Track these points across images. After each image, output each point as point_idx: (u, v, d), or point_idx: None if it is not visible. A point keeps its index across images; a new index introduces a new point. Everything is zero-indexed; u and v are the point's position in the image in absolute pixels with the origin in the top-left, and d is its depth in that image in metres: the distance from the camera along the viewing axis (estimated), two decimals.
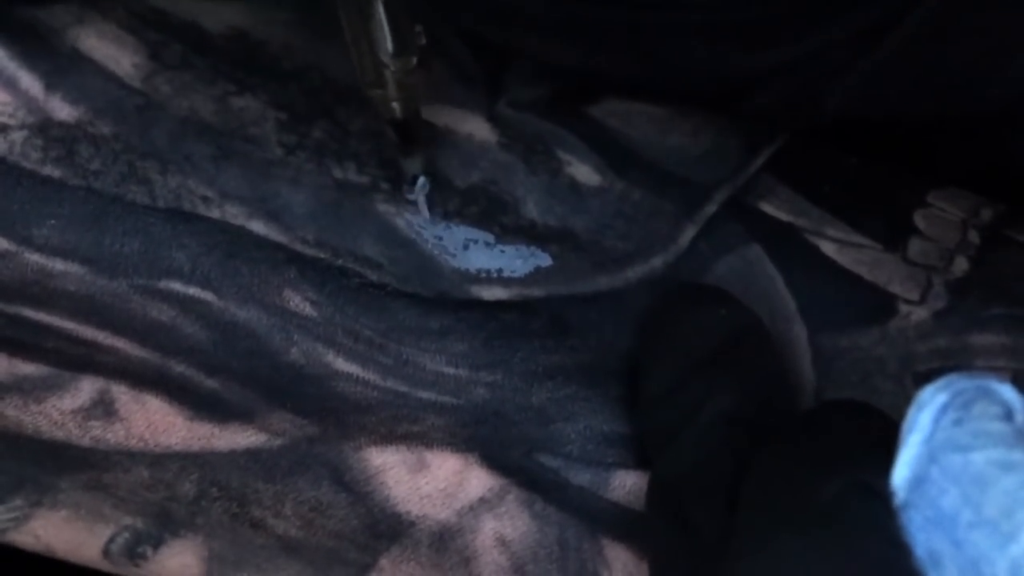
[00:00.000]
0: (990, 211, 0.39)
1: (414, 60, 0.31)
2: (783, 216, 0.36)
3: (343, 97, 0.34)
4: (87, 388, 0.34)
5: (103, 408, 0.34)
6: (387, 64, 0.31)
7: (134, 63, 0.34)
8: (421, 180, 0.33)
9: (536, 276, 0.34)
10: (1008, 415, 0.23)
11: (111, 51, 0.34)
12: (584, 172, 0.35)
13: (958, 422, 0.23)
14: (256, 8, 0.35)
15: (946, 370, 0.36)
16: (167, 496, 0.35)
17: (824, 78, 0.38)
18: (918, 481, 0.22)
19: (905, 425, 0.23)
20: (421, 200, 0.33)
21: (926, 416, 0.23)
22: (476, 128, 0.35)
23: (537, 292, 0.34)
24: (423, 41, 0.31)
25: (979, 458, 0.22)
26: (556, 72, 0.37)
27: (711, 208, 0.36)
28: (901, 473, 0.23)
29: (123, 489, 0.35)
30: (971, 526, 0.21)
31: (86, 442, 0.35)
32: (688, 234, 0.35)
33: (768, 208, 0.37)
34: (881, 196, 0.39)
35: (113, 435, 0.35)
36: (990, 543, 0.21)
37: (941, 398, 0.23)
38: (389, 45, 0.30)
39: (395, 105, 0.32)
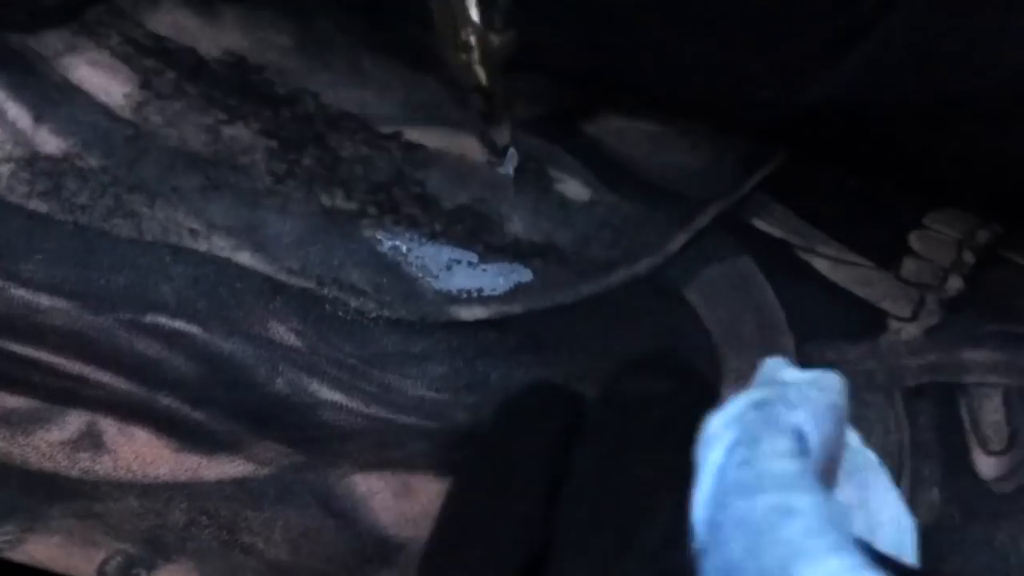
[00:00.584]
0: (986, 232, 0.39)
1: (500, 26, 0.30)
2: (776, 232, 0.36)
3: (335, 123, 0.34)
4: (74, 421, 0.34)
5: (90, 440, 0.34)
6: (473, 30, 0.30)
7: (125, 93, 0.34)
8: (511, 151, 0.33)
9: (516, 293, 0.34)
10: (798, 444, 0.22)
11: (102, 81, 0.34)
12: (574, 188, 0.35)
13: (745, 462, 0.22)
14: (255, 32, 0.35)
15: (937, 385, 0.36)
16: (157, 524, 0.35)
17: (815, 68, 0.38)
18: (712, 525, 0.22)
19: (699, 460, 0.23)
20: (510, 169, 0.33)
21: (716, 454, 0.22)
22: (468, 148, 0.35)
23: (516, 308, 0.34)
24: (510, 7, 0.30)
25: (761, 504, 0.21)
26: (555, 71, 0.37)
27: (704, 220, 0.36)
28: (698, 513, 0.22)
29: (114, 517, 0.35)
30: None
31: (75, 473, 0.35)
32: (678, 242, 0.35)
33: (761, 224, 0.37)
34: (877, 217, 0.39)
35: (101, 466, 0.34)
36: None
37: (729, 435, 0.22)
38: (474, 11, 0.29)
39: (480, 71, 0.31)
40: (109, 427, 0.34)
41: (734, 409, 0.22)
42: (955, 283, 0.37)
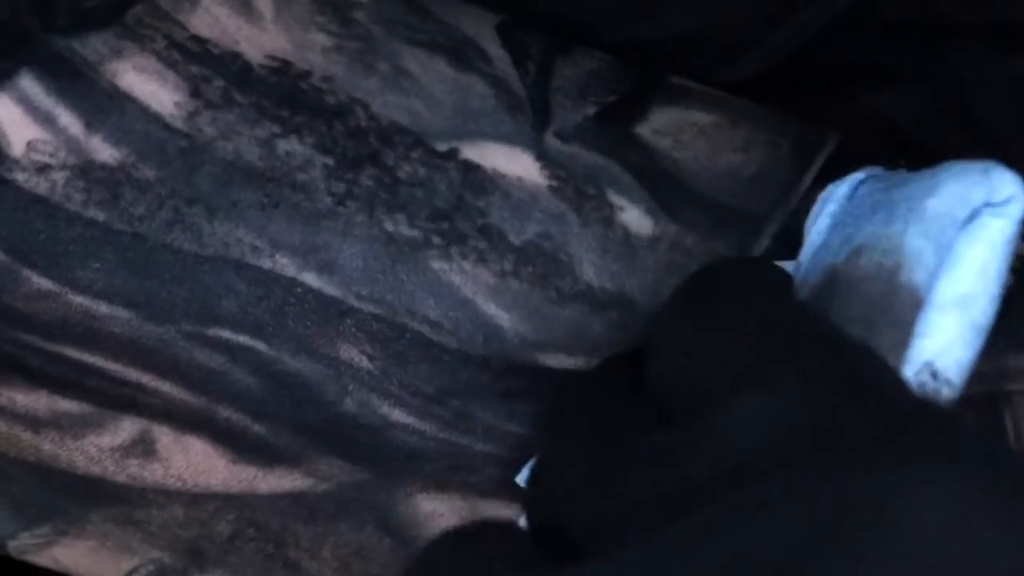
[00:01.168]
0: None
1: None
2: None
3: (389, 138, 0.34)
4: (128, 427, 0.34)
5: (143, 447, 0.34)
6: None
7: (176, 101, 0.33)
8: None
9: (599, 345, 0.34)
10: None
11: (151, 88, 0.33)
12: (636, 218, 0.35)
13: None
14: (294, 31, 0.34)
15: (982, 395, 0.37)
16: (200, 534, 0.35)
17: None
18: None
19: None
20: None
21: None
22: (525, 170, 0.34)
23: (595, 359, 0.34)
24: None
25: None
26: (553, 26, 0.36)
27: (764, 243, 0.36)
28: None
29: (155, 525, 0.35)
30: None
31: (122, 479, 0.34)
32: None
33: None
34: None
35: (151, 474, 0.34)
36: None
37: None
38: None
39: None
40: (164, 435, 0.34)
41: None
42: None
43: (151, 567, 0.35)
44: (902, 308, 0.24)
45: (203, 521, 0.34)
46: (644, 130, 0.36)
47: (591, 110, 0.36)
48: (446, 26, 0.36)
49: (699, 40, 0.37)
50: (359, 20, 0.35)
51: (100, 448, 0.34)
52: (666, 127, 0.37)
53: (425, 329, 0.33)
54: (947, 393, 0.23)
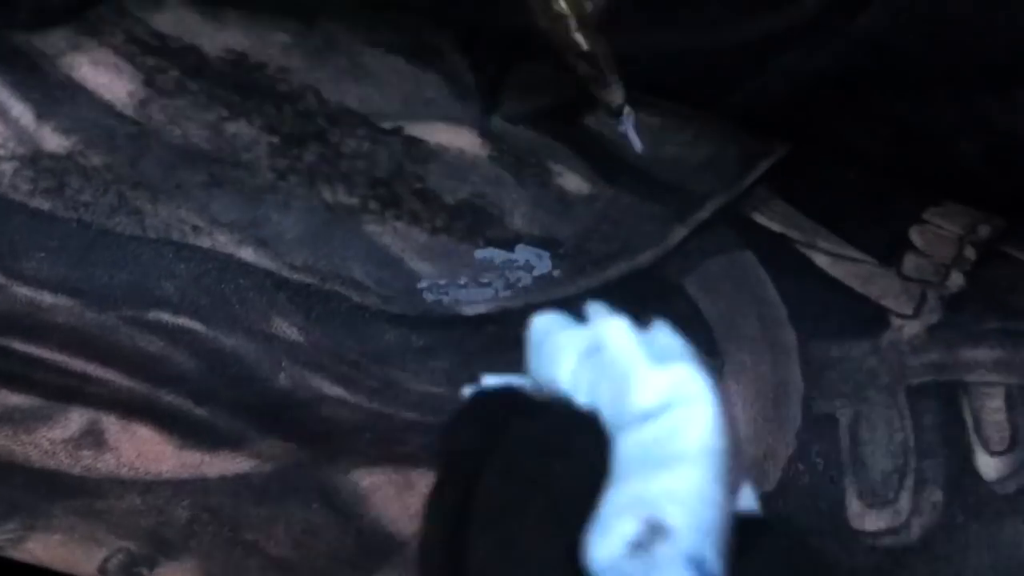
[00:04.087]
0: (988, 228, 0.38)
1: None
2: (776, 227, 0.35)
3: (337, 118, 0.33)
4: (76, 419, 0.33)
5: (93, 438, 0.33)
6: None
7: (128, 91, 0.33)
8: (627, 109, 0.32)
9: (515, 287, 0.33)
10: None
11: (105, 79, 0.33)
12: (574, 181, 0.34)
13: None
14: (256, 30, 0.34)
15: (939, 384, 0.35)
16: (160, 521, 0.34)
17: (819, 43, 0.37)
18: None
19: None
20: (630, 130, 0.33)
21: None
22: (468, 143, 0.34)
23: (516, 303, 0.33)
24: None
25: None
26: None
27: (703, 214, 0.35)
28: None
29: (116, 515, 0.34)
30: None
31: (77, 471, 0.34)
32: (678, 235, 0.34)
33: (761, 219, 0.36)
34: (878, 212, 0.37)
35: (104, 464, 0.33)
36: None
37: None
38: None
39: (579, 37, 0.31)
40: (111, 425, 0.33)
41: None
42: (957, 279, 0.36)
43: (121, 556, 0.34)
44: None
45: (160, 508, 0.33)
46: (591, 121, 0.36)
47: (543, 102, 0.35)
48: (408, 32, 0.36)
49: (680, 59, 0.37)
50: (321, 22, 0.35)
51: (52, 441, 0.33)
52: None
53: (352, 293, 0.32)
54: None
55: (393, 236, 0.32)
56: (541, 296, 0.32)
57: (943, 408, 0.35)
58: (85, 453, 0.33)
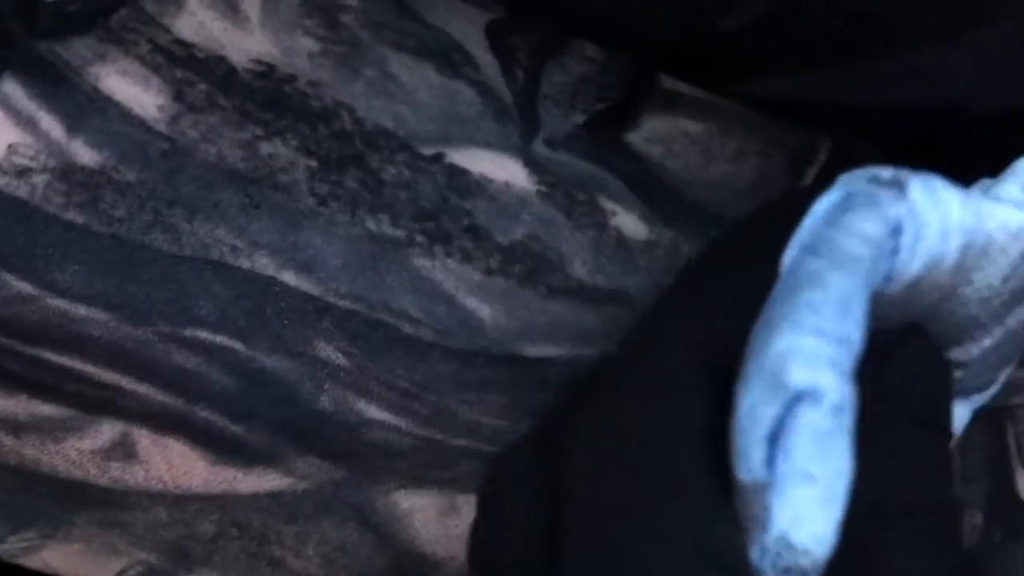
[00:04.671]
0: None
1: None
2: None
3: (373, 141, 0.33)
4: (107, 430, 0.33)
5: (123, 450, 0.33)
6: None
7: (159, 104, 0.32)
8: None
9: (587, 335, 0.33)
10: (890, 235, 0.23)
11: (134, 92, 0.32)
12: (630, 223, 0.34)
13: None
14: (280, 35, 0.33)
15: (984, 409, 0.36)
16: (184, 534, 0.34)
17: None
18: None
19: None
20: None
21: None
22: (513, 175, 0.33)
23: (586, 351, 0.33)
24: None
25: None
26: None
27: None
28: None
29: (140, 527, 0.34)
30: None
31: (104, 481, 0.33)
32: None
33: None
34: None
35: (132, 476, 0.33)
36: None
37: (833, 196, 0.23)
38: None
39: None
40: (143, 438, 0.33)
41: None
42: None
43: (139, 568, 0.34)
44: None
45: (186, 522, 0.33)
46: (635, 138, 0.35)
47: (580, 118, 0.35)
48: (434, 30, 0.35)
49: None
50: (346, 24, 0.34)
51: (81, 452, 0.33)
52: (657, 135, 0.36)
53: (403, 324, 0.32)
54: (805, 563, 0.22)
55: (444, 272, 0.32)
56: (610, 344, 0.32)
57: (988, 431, 0.35)
58: (114, 465, 0.33)
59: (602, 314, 0.33)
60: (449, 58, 0.35)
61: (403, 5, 0.35)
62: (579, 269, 0.33)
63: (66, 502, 0.34)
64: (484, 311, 0.32)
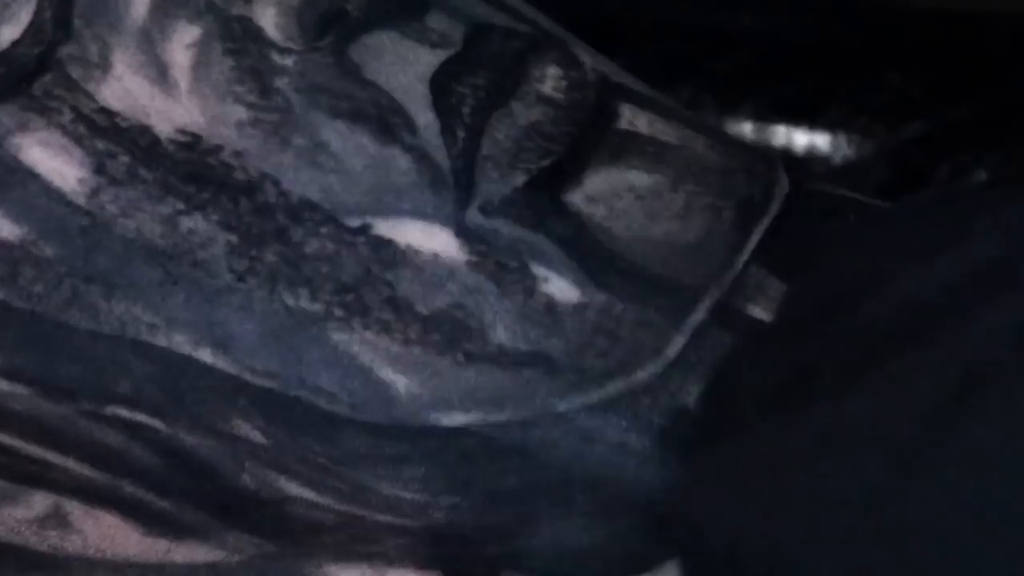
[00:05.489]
0: None
1: None
2: (770, 318, 0.34)
3: (297, 214, 0.32)
4: (40, 501, 0.33)
5: (57, 520, 0.33)
6: None
7: (79, 177, 0.31)
8: None
9: (504, 400, 0.32)
10: None
11: (56, 164, 0.32)
12: (561, 288, 0.33)
13: None
14: (209, 102, 0.33)
15: None
16: None
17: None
18: None
19: None
20: None
21: None
22: (442, 245, 0.32)
23: (499, 416, 0.32)
24: None
25: None
26: None
27: (699, 316, 0.34)
28: None
29: None
30: None
31: (45, 548, 0.34)
32: (676, 345, 0.33)
33: (756, 311, 0.34)
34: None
35: (71, 544, 0.33)
36: None
37: None
38: None
39: None
40: (75, 509, 0.33)
41: None
42: None
43: None
44: None
45: None
46: (576, 197, 0.34)
47: (520, 179, 0.33)
48: (373, 89, 0.33)
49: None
50: (280, 88, 0.33)
51: (17, 520, 0.33)
52: (601, 193, 0.34)
53: (319, 400, 0.31)
54: None
55: (362, 345, 0.31)
56: (529, 411, 0.31)
57: None
58: (51, 533, 0.33)
59: (520, 378, 0.32)
60: (386, 122, 0.33)
61: (344, 60, 0.33)
62: (501, 335, 0.32)
63: (12, 565, 0.34)
64: (400, 382, 0.31)
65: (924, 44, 0.55)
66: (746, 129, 0.56)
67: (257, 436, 0.31)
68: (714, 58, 0.54)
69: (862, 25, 0.54)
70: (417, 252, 0.32)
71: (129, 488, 0.32)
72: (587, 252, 0.33)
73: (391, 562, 0.32)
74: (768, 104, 0.55)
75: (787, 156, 0.56)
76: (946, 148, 0.52)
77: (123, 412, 0.31)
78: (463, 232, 0.32)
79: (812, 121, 0.55)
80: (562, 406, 0.32)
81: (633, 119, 0.35)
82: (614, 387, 0.32)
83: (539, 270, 0.32)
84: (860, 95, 0.55)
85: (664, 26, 0.57)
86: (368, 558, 0.32)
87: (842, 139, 0.56)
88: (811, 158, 0.56)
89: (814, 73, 0.55)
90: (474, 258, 0.32)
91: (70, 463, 0.32)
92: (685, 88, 0.56)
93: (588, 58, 0.36)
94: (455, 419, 0.32)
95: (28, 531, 0.33)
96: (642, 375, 0.32)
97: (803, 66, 0.56)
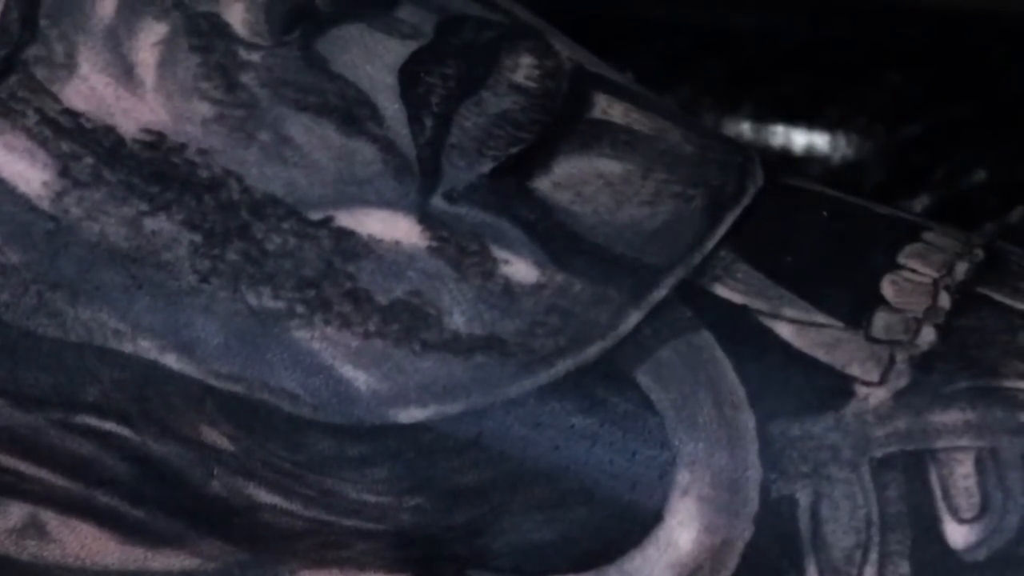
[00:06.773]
0: (966, 265, 0.36)
1: None
2: (737, 298, 0.33)
3: (260, 210, 0.31)
4: (16, 511, 0.33)
5: (35, 530, 0.33)
6: None
7: (43, 181, 0.31)
8: None
9: (454, 390, 0.31)
10: None
11: (20, 167, 0.31)
12: (521, 270, 0.32)
13: None
14: (174, 100, 0.32)
15: (905, 454, 0.33)
16: None
17: None
18: None
19: None
20: None
21: None
22: (404, 232, 0.32)
23: (454, 408, 0.31)
24: None
25: None
26: None
27: (660, 293, 0.32)
28: None
29: None
30: None
31: (25, 557, 0.33)
32: (632, 321, 0.32)
33: (722, 291, 0.33)
34: (850, 262, 0.35)
35: (50, 553, 0.33)
36: None
37: None
38: None
39: None
40: (51, 519, 0.33)
41: None
42: (928, 335, 0.34)
43: None
44: None
45: None
46: (543, 184, 0.33)
47: (487, 166, 0.32)
48: (340, 81, 0.33)
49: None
50: (246, 84, 0.32)
51: None
52: (568, 179, 0.33)
53: (283, 402, 0.31)
54: None
55: (323, 342, 0.30)
56: (482, 400, 0.30)
57: (909, 478, 0.33)
58: (30, 543, 0.33)
59: (473, 364, 0.31)
60: (352, 114, 0.32)
61: (311, 54, 0.33)
62: (457, 320, 0.31)
63: None
64: (360, 379, 0.31)
65: (924, 44, 0.54)
66: (745, 129, 0.55)
67: (224, 443, 0.31)
68: (713, 58, 0.53)
69: (861, 25, 0.53)
70: (379, 241, 0.31)
71: (103, 498, 0.31)
72: (550, 234, 0.32)
73: (362, 567, 0.32)
74: (767, 104, 0.54)
75: (786, 156, 0.55)
76: (946, 148, 0.51)
77: (92, 421, 0.31)
78: (425, 219, 0.32)
79: (811, 121, 0.54)
80: (513, 391, 0.31)
81: (608, 108, 0.34)
82: (563, 366, 0.31)
83: (500, 253, 0.32)
84: (859, 95, 0.54)
85: (663, 26, 0.57)
86: (339, 563, 0.32)
87: (841, 139, 0.55)
88: (810, 158, 0.55)
89: (813, 73, 0.54)
90: (435, 243, 0.32)
91: (43, 473, 0.32)
92: (684, 88, 0.55)
93: (564, 48, 0.35)
94: (413, 415, 0.31)
95: (7, 541, 0.33)
96: (591, 352, 0.31)
97: (802, 66, 0.55)
